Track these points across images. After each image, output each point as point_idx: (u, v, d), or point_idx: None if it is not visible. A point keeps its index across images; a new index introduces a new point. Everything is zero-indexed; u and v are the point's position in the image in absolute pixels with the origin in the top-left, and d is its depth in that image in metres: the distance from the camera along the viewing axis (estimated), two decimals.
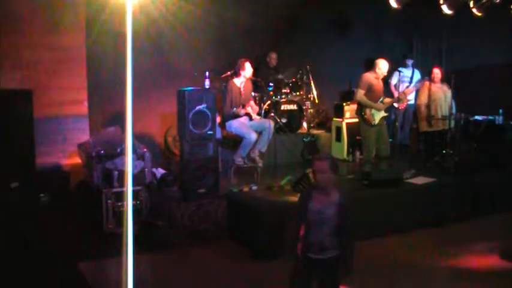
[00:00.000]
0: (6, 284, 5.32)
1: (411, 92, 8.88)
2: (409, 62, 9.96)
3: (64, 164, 8.04)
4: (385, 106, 7.91)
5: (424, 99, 8.69)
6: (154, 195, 6.99)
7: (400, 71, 9.20)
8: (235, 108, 7.98)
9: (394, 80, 9.66)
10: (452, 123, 8.24)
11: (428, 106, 8.61)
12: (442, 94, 8.57)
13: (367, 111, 7.75)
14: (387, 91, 9.18)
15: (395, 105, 8.67)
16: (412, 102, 9.39)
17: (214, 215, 6.86)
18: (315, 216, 4.05)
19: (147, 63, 8.81)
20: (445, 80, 8.67)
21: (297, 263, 4.16)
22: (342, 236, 4.08)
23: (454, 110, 8.38)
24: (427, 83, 8.66)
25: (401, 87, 9.00)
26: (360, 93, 7.73)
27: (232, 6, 9.32)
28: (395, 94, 8.77)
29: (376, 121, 7.78)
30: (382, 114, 7.85)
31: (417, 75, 9.83)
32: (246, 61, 8.07)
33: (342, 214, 4.06)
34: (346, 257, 4.13)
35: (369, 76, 7.78)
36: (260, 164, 7.82)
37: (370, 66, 7.99)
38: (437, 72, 8.63)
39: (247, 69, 8.08)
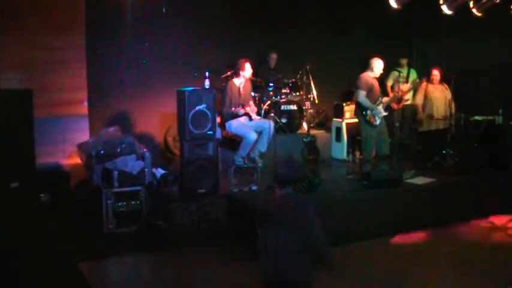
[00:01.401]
0: (7, 284, 5.33)
1: (408, 90, 8.87)
2: (404, 61, 9.96)
3: (64, 164, 8.03)
4: (384, 105, 7.92)
5: (419, 99, 8.79)
6: (154, 195, 6.99)
7: (399, 71, 9.18)
8: (234, 108, 7.98)
9: (390, 81, 9.70)
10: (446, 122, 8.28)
11: (423, 106, 8.68)
12: (439, 94, 8.61)
13: (369, 112, 7.75)
14: (383, 91, 9.17)
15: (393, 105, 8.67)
16: (410, 101, 9.40)
17: (214, 215, 6.85)
18: None
19: (147, 63, 8.83)
20: (444, 80, 8.68)
21: None
22: None
23: (453, 111, 8.40)
24: (424, 83, 8.72)
25: (397, 87, 8.97)
26: (362, 95, 7.73)
27: (232, 6, 9.33)
28: (391, 95, 8.80)
29: (378, 121, 7.79)
30: (383, 114, 7.86)
31: (413, 74, 9.83)
32: (246, 62, 8.08)
33: None
34: None
35: (367, 76, 7.80)
36: (260, 164, 7.82)
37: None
38: (436, 74, 8.69)
39: (247, 70, 8.08)
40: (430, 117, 8.68)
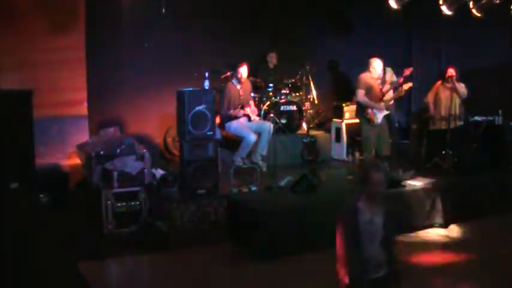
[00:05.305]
0: (7, 284, 5.33)
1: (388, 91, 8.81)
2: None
3: (64, 165, 8.03)
4: (386, 104, 7.92)
5: (430, 97, 8.73)
6: (153, 196, 6.99)
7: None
8: (231, 111, 7.99)
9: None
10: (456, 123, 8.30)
11: (434, 105, 8.65)
12: (449, 94, 8.52)
13: (369, 110, 7.75)
14: None
15: None
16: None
17: (214, 215, 6.86)
18: (365, 229, 3.68)
19: (147, 63, 8.83)
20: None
21: None
22: (391, 248, 3.77)
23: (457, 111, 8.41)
24: (439, 82, 8.67)
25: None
26: (361, 94, 7.73)
27: (232, 6, 9.33)
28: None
29: (379, 120, 7.78)
30: (384, 112, 7.86)
31: (388, 74, 9.54)
32: (241, 66, 8.13)
33: (389, 222, 3.73)
34: (398, 271, 3.81)
35: (365, 76, 7.80)
36: (264, 169, 7.85)
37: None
38: (450, 72, 8.55)
39: (243, 72, 8.14)
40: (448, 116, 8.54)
